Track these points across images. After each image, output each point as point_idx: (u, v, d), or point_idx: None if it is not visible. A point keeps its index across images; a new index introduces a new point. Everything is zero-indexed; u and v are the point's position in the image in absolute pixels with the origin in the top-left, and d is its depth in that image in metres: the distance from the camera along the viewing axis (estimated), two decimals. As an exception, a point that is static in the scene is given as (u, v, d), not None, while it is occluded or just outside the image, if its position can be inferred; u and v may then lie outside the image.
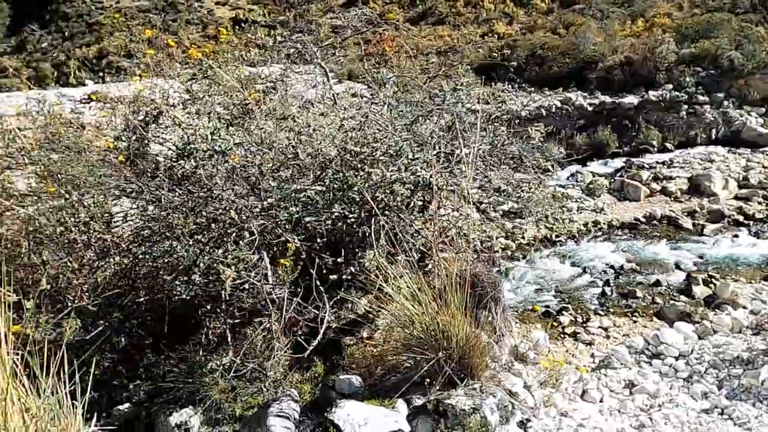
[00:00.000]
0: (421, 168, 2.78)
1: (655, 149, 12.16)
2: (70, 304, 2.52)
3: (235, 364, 2.84)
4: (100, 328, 2.72)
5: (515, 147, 3.64)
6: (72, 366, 2.21)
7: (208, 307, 3.10)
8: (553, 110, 12.55)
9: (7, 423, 1.78)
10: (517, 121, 4.33)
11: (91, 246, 3.07)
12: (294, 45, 3.56)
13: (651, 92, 12.80)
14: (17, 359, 2.09)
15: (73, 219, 3.12)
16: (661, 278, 7.09)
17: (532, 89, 13.40)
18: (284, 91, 3.86)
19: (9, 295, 2.30)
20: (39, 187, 3.42)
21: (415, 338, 2.73)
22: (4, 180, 3.58)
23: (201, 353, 2.94)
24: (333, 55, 3.65)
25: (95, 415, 2.39)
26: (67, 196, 3.04)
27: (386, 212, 2.95)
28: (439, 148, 3.07)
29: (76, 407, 2.20)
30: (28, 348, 2.14)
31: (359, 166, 2.78)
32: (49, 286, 2.54)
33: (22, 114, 3.33)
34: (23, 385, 2.03)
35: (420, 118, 3.14)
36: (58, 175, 3.04)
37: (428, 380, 2.62)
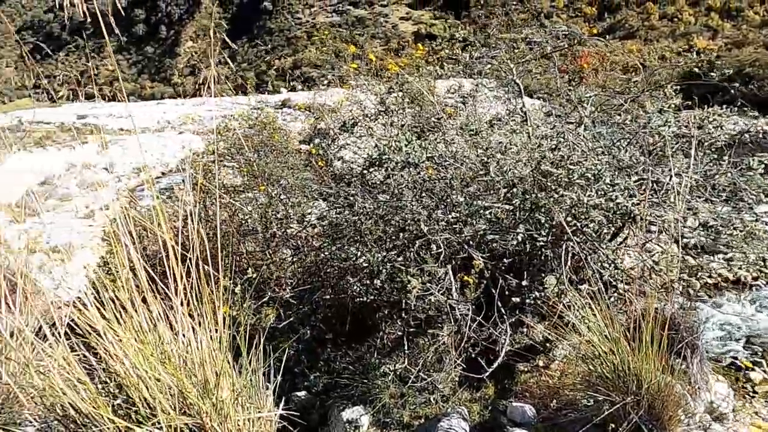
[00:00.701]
0: (621, 195, 2.59)
1: None
2: (270, 293, 2.77)
3: (407, 372, 2.89)
4: (291, 319, 2.94)
5: (729, 177, 3.23)
6: (266, 350, 2.42)
7: (386, 312, 3.21)
8: (761, 136, 11.02)
9: (220, 394, 2.00)
10: (717, 147, 3.85)
11: (288, 242, 3.36)
12: (490, 61, 3.54)
13: None
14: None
15: (274, 215, 3.44)
16: None
17: (736, 110, 11.89)
18: (473, 106, 3.87)
19: (223, 280, 2.59)
20: (249, 183, 3.83)
21: (598, 376, 2.54)
22: (219, 175, 4.07)
23: (376, 355, 3.05)
24: (529, 72, 3.57)
25: (282, 398, 2.59)
26: (273, 194, 3.36)
27: (575, 237, 2.79)
28: (643, 174, 2.83)
29: (268, 388, 2.40)
30: (231, 329, 2.38)
31: (552, 187, 2.67)
32: (253, 275, 2.82)
33: (242, 117, 3.75)
34: (228, 362, 2.26)
35: (621, 140, 2.92)
36: (268, 175, 3.38)
37: (612, 425, 2.41)
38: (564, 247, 2.72)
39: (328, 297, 3.10)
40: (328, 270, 3.21)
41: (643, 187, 2.74)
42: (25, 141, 15.56)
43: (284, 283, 2.97)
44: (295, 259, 3.18)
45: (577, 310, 2.75)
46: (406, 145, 2.92)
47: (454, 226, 2.84)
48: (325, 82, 5.47)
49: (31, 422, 2.48)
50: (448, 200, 2.86)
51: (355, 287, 3.10)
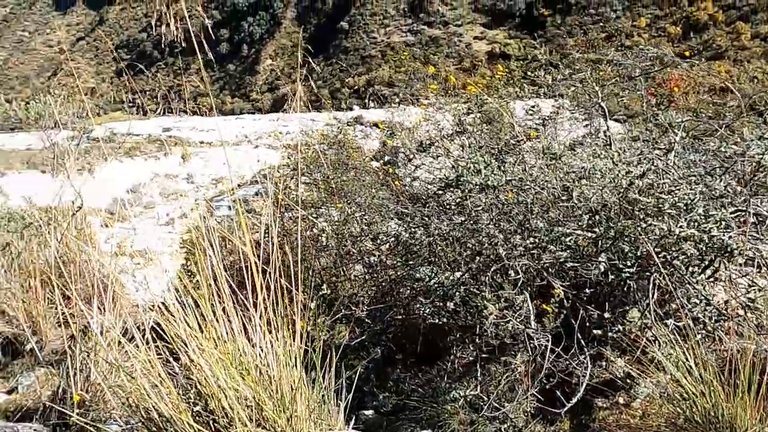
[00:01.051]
0: (717, 227, 2.43)
1: None
2: (343, 309, 2.79)
3: (477, 399, 2.83)
4: (363, 337, 2.95)
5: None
6: (337, 366, 2.43)
7: (458, 336, 3.16)
8: None
9: (296, 409, 2.02)
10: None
11: (362, 260, 3.38)
12: (573, 83, 3.46)
13: None
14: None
15: (348, 233, 3.48)
16: None
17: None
18: (554, 129, 3.78)
19: (299, 295, 2.64)
20: (325, 199, 3.91)
21: (686, 419, 2.37)
22: (296, 189, 4.18)
23: (446, 379, 3.00)
24: (616, 95, 3.45)
25: (350, 416, 2.59)
26: (349, 211, 3.41)
27: (663, 269, 2.65)
28: (741, 206, 2.66)
29: (339, 405, 2.41)
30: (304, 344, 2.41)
31: (640, 216, 2.55)
32: (328, 291, 2.85)
33: (321, 136, 3.84)
34: (303, 377, 2.29)
35: (717, 169, 2.76)
36: (345, 192, 3.43)
37: (701, 474, 2.24)
38: (651, 279, 2.59)
39: (399, 317, 3.09)
40: (401, 290, 3.21)
41: (742, 220, 2.57)
42: (116, 151, 16.64)
43: (357, 300, 2.99)
44: (368, 278, 3.20)
45: (663, 346, 2.59)
46: (485, 168, 2.88)
47: (533, 251, 2.77)
48: (397, 100, 5.50)
49: (115, 421, 2.61)
50: (527, 225, 2.80)
51: (426, 309, 3.07)
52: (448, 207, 3.22)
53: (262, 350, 2.20)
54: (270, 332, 2.22)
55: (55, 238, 4.41)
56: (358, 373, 3.18)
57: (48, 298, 4.32)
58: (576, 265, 2.78)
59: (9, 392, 3.79)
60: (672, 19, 27.04)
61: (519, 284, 2.54)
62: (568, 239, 2.78)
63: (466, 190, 3.02)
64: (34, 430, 2.76)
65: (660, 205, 2.48)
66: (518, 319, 2.40)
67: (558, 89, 3.73)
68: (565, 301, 2.47)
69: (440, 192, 3.36)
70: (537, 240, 2.76)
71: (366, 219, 3.38)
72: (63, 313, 3.97)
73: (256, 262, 2.28)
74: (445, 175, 3.38)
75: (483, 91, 3.83)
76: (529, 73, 3.70)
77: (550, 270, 2.65)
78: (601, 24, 28.47)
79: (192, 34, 2.36)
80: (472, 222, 2.87)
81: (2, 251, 4.22)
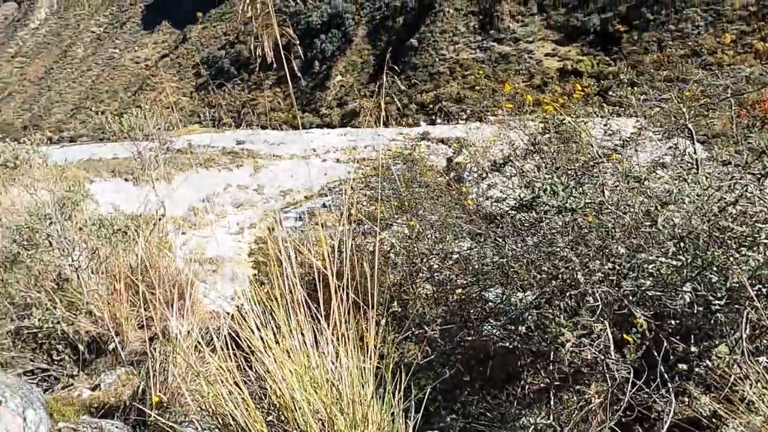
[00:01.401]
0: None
1: None
2: (413, 328, 2.78)
3: (548, 427, 2.73)
4: (431, 357, 2.93)
5: None
6: (406, 385, 2.41)
7: (529, 360, 3.07)
8: None
9: (366, 426, 2.02)
10: None
11: (432, 278, 3.37)
12: (658, 104, 3.32)
13: None
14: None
15: (419, 250, 3.48)
16: None
17: None
18: (635, 150, 3.64)
19: (372, 311, 2.66)
20: (395, 216, 3.93)
21: (781, 467, 2.19)
22: (366, 204, 4.22)
23: (515, 405, 2.92)
24: (704, 117, 3.29)
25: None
26: (420, 228, 3.41)
27: (758, 302, 2.48)
28: None
29: (408, 425, 2.39)
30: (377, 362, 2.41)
31: (733, 245, 2.40)
32: (399, 308, 2.86)
33: (394, 153, 3.87)
34: (374, 395, 2.29)
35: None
36: (416, 210, 3.44)
37: None
38: (743, 312, 2.42)
39: (468, 338, 3.05)
40: (471, 310, 3.16)
41: None
42: (193, 162, 17.43)
43: (427, 319, 2.97)
44: (438, 296, 3.18)
45: (755, 385, 2.42)
46: (563, 189, 2.81)
47: (612, 278, 2.66)
48: (465, 116, 5.47)
49: (191, 423, 2.70)
50: (607, 250, 2.70)
51: (497, 331, 3.01)
52: (522, 228, 3.16)
53: (333, 364, 2.23)
54: (342, 347, 2.24)
55: (139, 245, 4.66)
56: (423, 393, 3.16)
57: (130, 301, 4.56)
58: (659, 294, 2.65)
59: (93, 388, 4.02)
60: (761, 34, 25.54)
61: (597, 311, 2.45)
62: (650, 266, 2.66)
63: (542, 212, 2.95)
64: (116, 427, 2.90)
65: (755, 234, 2.33)
66: (596, 348, 2.30)
67: (640, 109, 3.60)
68: (647, 332, 2.36)
69: (514, 212, 3.30)
70: (617, 266, 2.65)
71: (436, 236, 3.37)
72: (144, 316, 4.17)
73: (329, 276, 2.31)
74: (520, 195, 3.33)
75: (559, 110, 3.75)
76: (610, 92, 3.59)
77: (630, 298, 2.53)
78: (681, 40, 27.29)
79: (282, 54, 2.44)
80: (547, 244, 2.80)
81: (92, 256, 4.50)
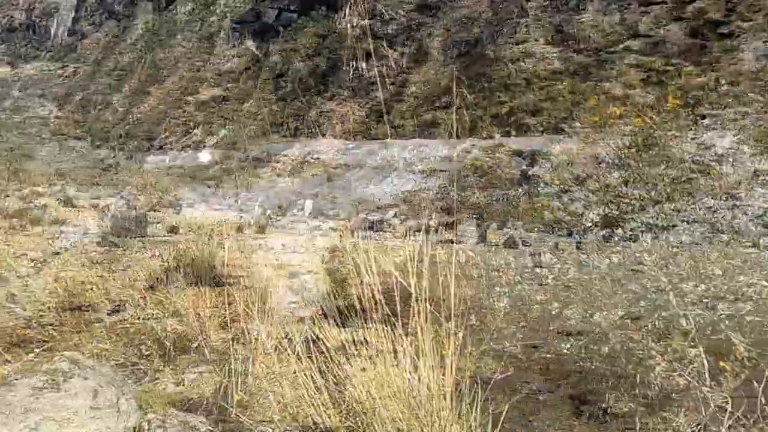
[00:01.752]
0: None
1: None
2: (491, 342, 2.74)
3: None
4: (509, 372, 2.87)
5: None
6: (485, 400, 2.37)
7: (610, 383, 2.95)
8: None
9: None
10: None
11: (510, 292, 3.31)
12: (758, 118, 3.12)
13: None
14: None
15: (497, 263, 3.43)
16: None
17: None
18: (732, 165, 3.44)
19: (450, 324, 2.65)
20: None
21: None
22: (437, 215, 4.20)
23: (594, 428, 2.81)
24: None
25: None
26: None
27: None
28: None
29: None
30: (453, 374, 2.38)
31: None
32: (477, 323, 2.83)
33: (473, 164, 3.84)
34: (452, 408, 2.27)
35: None
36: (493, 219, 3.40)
37: None
38: None
39: (547, 355, 2.97)
40: (550, 327, 3.08)
41: None
42: (267, 170, 18.08)
43: (504, 334, 2.92)
44: (516, 312, 3.12)
45: None
46: (653, 206, 2.69)
47: (706, 300, 2.52)
48: (541, 129, 5.35)
49: (271, 423, 2.78)
50: (701, 271, 2.55)
51: (577, 350, 2.92)
52: (607, 243, 3.05)
53: (411, 374, 2.23)
54: (418, 359, 2.24)
55: (222, 248, 4.87)
56: (501, 408, 3.09)
57: (213, 302, 4.78)
58: (759, 319, 2.48)
59: (176, 384, 4.22)
60: None
61: (690, 336, 2.32)
62: (750, 290, 2.49)
63: (629, 229, 2.84)
64: (200, 422, 3.03)
65: None
66: (690, 375, 2.18)
67: (737, 123, 3.40)
68: (746, 360, 2.21)
69: (597, 228, 3.20)
70: (712, 288, 2.51)
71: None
72: (227, 317, 4.35)
73: (407, 287, 2.32)
74: (603, 211, 3.22)
75: (648, 122, 3.60)
76: (700, 105, 3.41)
77: (728, 323, 2.38)
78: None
79: (377, 72, 2.48)
80: (636, 263, 2.68)
81: (180, 257, 4.76)
